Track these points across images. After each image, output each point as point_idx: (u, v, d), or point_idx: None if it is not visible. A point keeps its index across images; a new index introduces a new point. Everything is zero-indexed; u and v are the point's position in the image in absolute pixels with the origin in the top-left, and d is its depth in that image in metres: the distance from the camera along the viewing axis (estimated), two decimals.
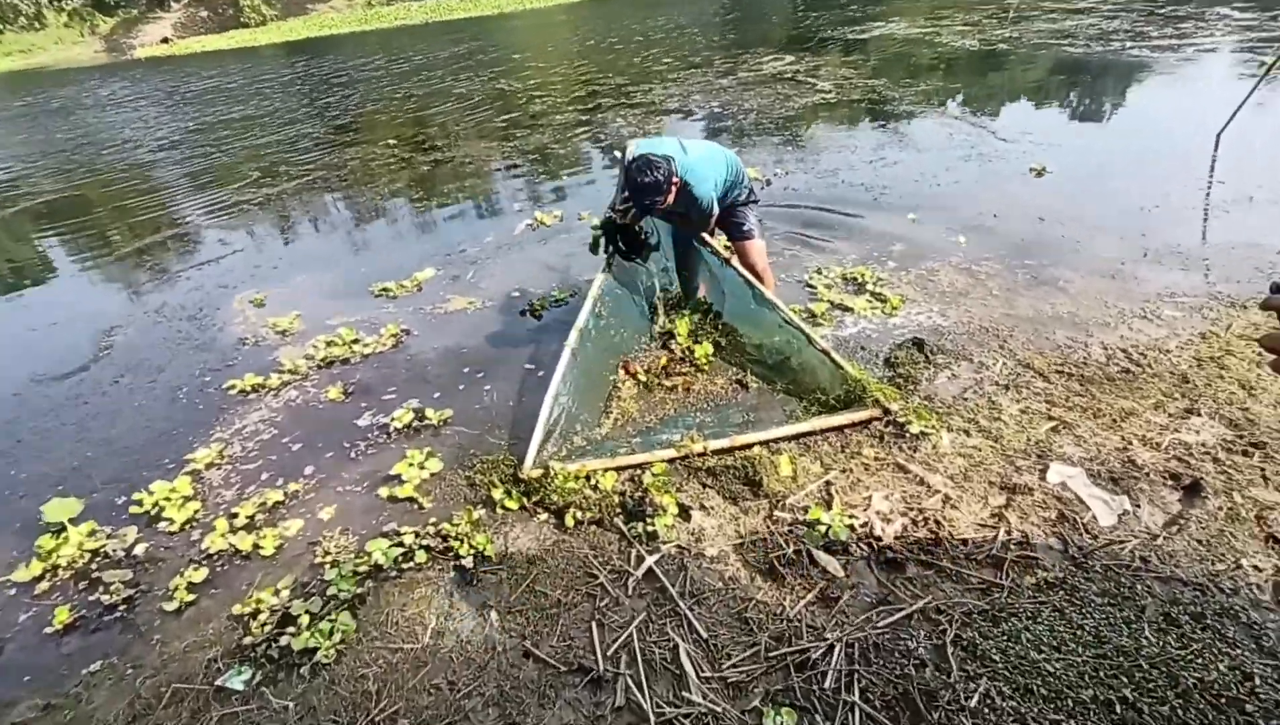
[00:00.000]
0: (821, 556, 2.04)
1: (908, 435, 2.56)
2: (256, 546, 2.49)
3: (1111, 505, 2.08)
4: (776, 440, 2.65)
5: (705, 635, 1.86)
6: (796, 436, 2.66)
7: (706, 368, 3.20)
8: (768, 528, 2.21)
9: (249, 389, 3.57)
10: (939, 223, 4.51)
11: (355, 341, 3.89)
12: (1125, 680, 1.57)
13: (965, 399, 2.79)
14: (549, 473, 2.54)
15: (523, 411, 3.10)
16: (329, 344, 3.89)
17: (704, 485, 2.47)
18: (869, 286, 3.78)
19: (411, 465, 2.82)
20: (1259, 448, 2.27)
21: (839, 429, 2.67)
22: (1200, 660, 1.59)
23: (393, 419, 3.13)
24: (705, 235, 3.30)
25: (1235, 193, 4.46)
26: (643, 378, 3.21)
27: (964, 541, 2.05)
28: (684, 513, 2.32)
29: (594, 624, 1.96)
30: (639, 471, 2.60)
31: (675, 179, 2.91)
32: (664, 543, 2.20)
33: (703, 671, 1.75)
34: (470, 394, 3.31)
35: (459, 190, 6.40)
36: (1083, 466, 2.28)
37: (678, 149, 3.06)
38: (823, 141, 6.55)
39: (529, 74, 12.00)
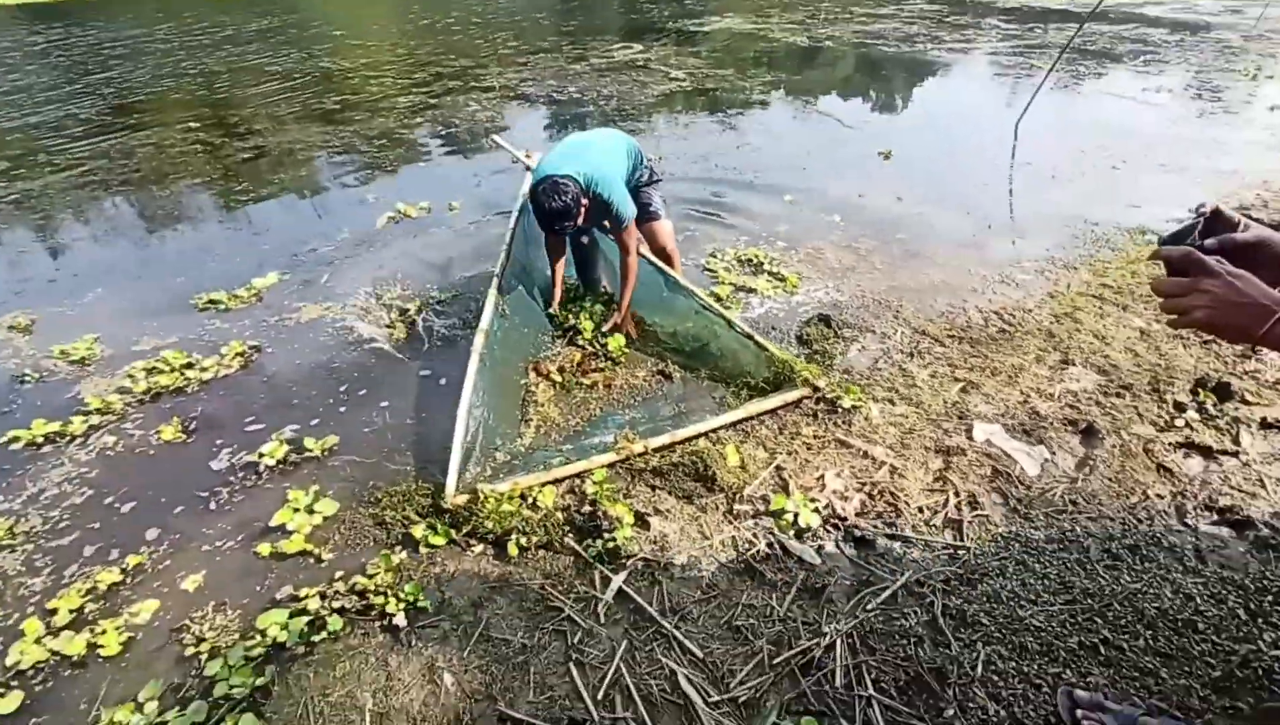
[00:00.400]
0: (795, 545, 1.97)
1: (840, 410, 2.58)
2: (94, 647, 1.89)
3: (1033, 455, 2.25)
4: (715, 430, 2.55)
5: (700, 654, 1.70)
6: (734, 423, 2.58)
7: (622, 360, 3.02)
8: (732, 524, 2.10)
9: (40, 440, 2.76)
10: (813, 203, 4.71)
11: (188, 366, 3.17)
12: (1100, 622, 1.67)
13: (879, 369, 2.90)
14: (477, 497, 2.21)
15: (426, 430, 2.71)
16: (151, 372, 3.13)
17: (653, 487, 2.30)
18: (765, 267, 3.82)
19: (297, 510, 2.32)
20: (1127, 389, 2.59)
21: (773, 411, 2.64)
22: (1152, 590, 1.75)
23: (261, 455, 2.57)
24: (629, 241, 3.00)
25: (1039, 173, 5.16)
26: (557, 378, 2.95)
27: (920, 508, 2.09)
28: (641, 521, 2.13)
29: (571, 665, 1.71)
30: (578, 482, 2.36)
31: (584, 199, 2.72)
32: (627, 557, 2.00)
33: (710, 696, 1.59)
34: (355, 415, 2.83)
35: (295, 181, 5.55)
36: (999, 422, 2.44)
37: (578, 153, 2.86)
38: (689, 128, 6.61)
39: (357, 53, 10.81)
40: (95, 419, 2.85)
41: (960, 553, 1.92)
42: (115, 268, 4.22)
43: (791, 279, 3.67)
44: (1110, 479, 2.17)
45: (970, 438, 2.37)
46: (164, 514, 2.39)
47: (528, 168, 3.89)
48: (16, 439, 2.74)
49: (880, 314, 3.37)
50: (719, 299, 3.50)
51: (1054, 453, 2.29)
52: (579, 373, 2.97)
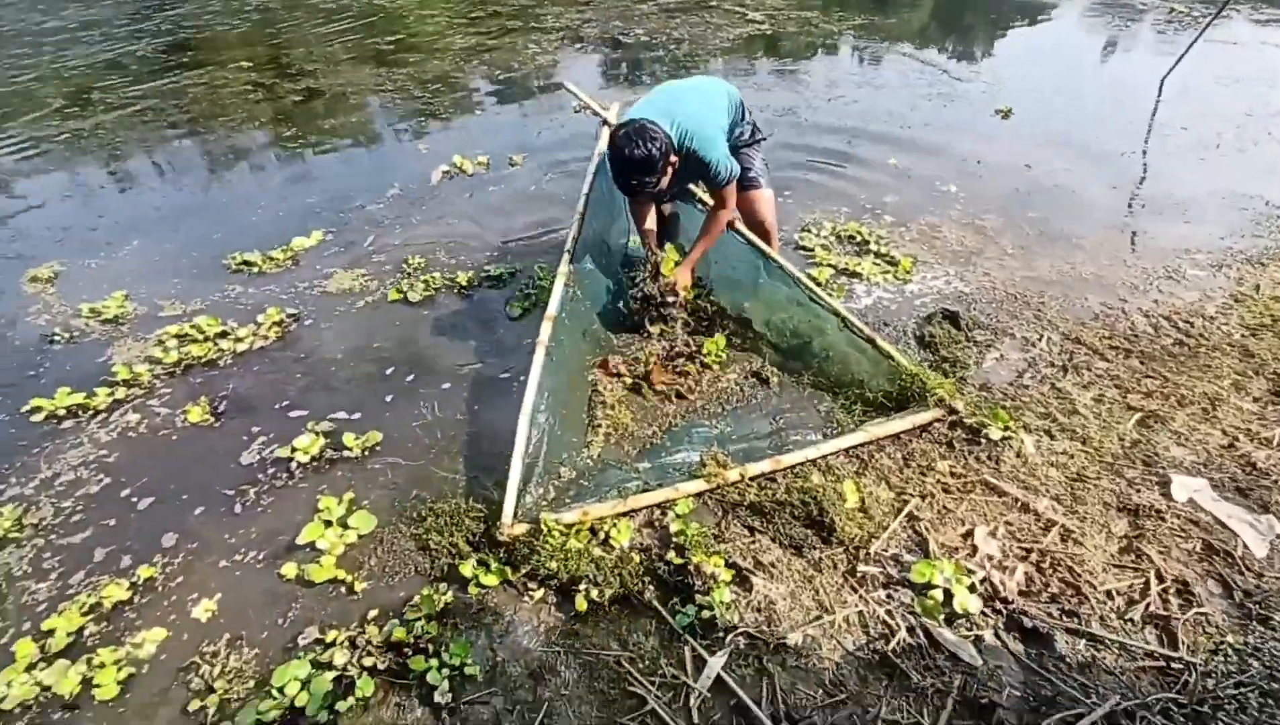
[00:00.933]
0: (948, 637, 1.51)
1: (983, 441, 2.06)
2: (89, 684, 1.61)
3: (1260, 528, 1.70)
4: (826, 457, 2.08)
5: None
6: (848, 449, 2.10)
7: (715, 366, 2.54)
8: (858, 593, 1.65)
9: (63, 412, 2.51)
10: (924, 169, 4.05)
11: (222, 334, 2.87)
12: None
13: (1026, 387, 2.35)
14: (539, 528, 1.82)
15: (480, 429, 2.33)
16: (182, 339, 2.84)
17: (752, 529, 1.86)
18: (872, 246, 3.25)
19: (329, 523, 1.99)
20: None
21: (897, 436, 2.14)
22: None
23: (293, 450, 2.25)
24: (727, 197, 2.49)
25: (1200, 141, 4.32)
26: (629, 380, 2.50)
27: (1109, 593, 1.59)
28: (740, 578, 1.70)
29: None
30: (659, 513, 1.95)
31: (673, 156, 2.23)
32: (725, 630, 1.58)
33: None
34: (401, 407, 2.46)
35: (344, 128, 5.15)
36: (1203, 476, 1.89)
37: (671, 103, 2.36)
38: (770, 76, 5.89)
39: None
40: (121, 392, 2.58)
41: (1175, 667, 1.43)
42: (156, 219, 3.94)
43: (904, 262, 3.09)
44: None
45: (1167, 496, 1.83)
46: (183, 515, 2.09)
47: (604, 121, 3.37)
48: (39, 409, 2.50)
49: (1018, 313, 2.78)
50: (819, 285, 2.96)
51: None
52: (655, 377, 2.51)
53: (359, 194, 4.00)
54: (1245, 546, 1.66)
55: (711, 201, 2.59)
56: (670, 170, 2.25)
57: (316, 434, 2.32)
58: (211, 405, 2.52)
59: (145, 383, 2.63)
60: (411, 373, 2.62)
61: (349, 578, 1.84)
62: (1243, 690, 1.37)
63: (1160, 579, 1.60)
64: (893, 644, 1.50)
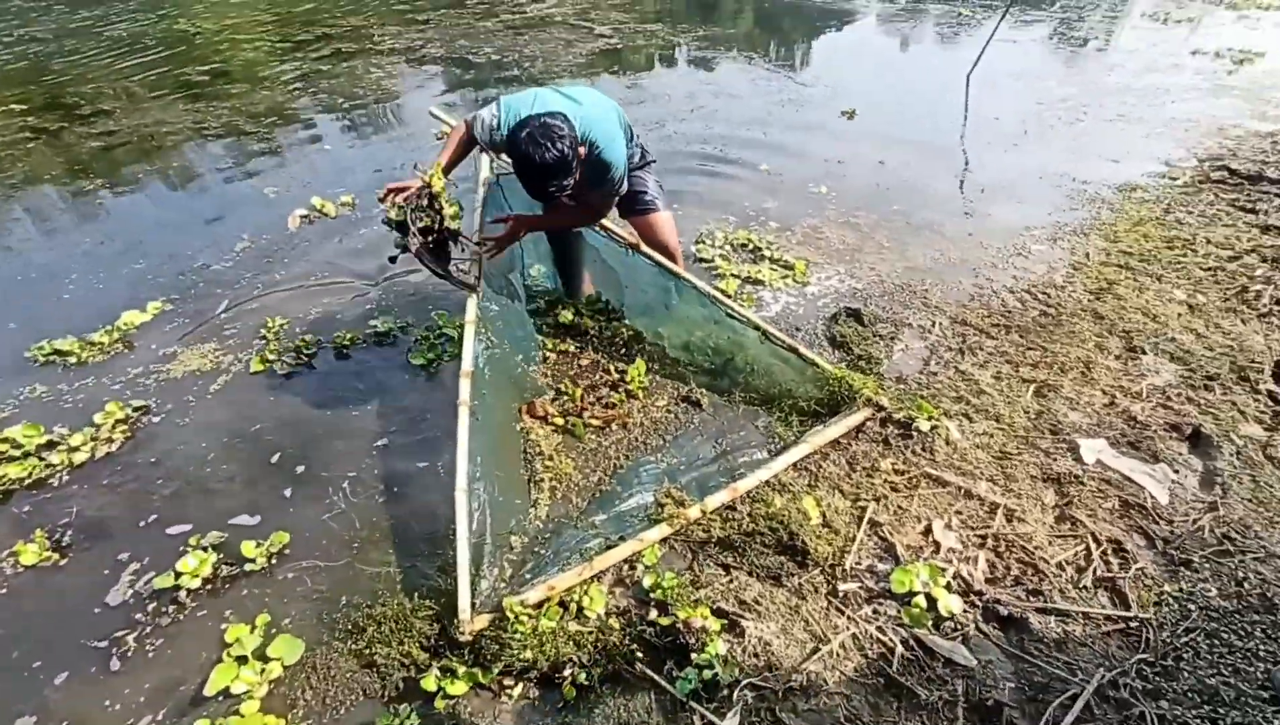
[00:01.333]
0: (940, 643, 1.55)
1: (915, 433, 2.17)
2: None
3: (1157, 477, 1.94)
4: (778, 475, 2.08)
5: None
6: (795, 463, 2.12)
7: (639, 393, 2.47)
8: (845, 614, 1.65)
9: None
10: (793, 173, 4.26)
11: (51, 445, 2.34)
12: None
13: (934, 373, 2.52)
14: (503, 615, 1.64)
15: (407, 510, 2.08)
16: None
17: (726, 567, 1.81)
18: (765, 252, 3.35)
19: (244, 661, 1.66)
20: (1214, 380, 2.34)
21: (836, 441, 2.20)
22: None
23: (177, 575, 1.87)
24: (589, 217, 2.42)
25: (1010, 129, 4.94)
26: (559, 421, 2.37)
27: (1060, 565, 1.73)
28: (731, 625, 1.64)
29: None
30: (628, 567, 1.84)
31: (580, 148, 2.05)
32: (729, 687, 1.51)
33: None
34: (304, 499, 2.14)
35: (164, 176, 4.47)
36: (1101, 436, 2.12)
37: (563, 100, 2.18)
38: (631, 90, 5.94)
39: (219, 10, 9.19)
40: None
41: (1133, 627, 1.57)
42: None
43: (799, 266, 3.22)
44: (1250, 499, 1.89)
45: (1079, 460, 2.03)
46: (40, 687, 1.66)
47: (482, 148, 3.15)
48: None
49: (908, 302, 2.99)
50: (727, 296, 2.99)
51: (1177, 471, 1.98)
52: (584, 411, 2.40)
53: (199, 252, 3.47)
54: (1152, 497, 1.87)
55: (613, 228, 2.50)
56: (579, 167, 2.05)
57: (204, 550, 1.95)
58: (51, 539, 2.04)
59: None
60: (307, 459, 2.28)
61: (283, 723, 1.55)
62: (1192, 636, 1.54)
63: (1097, 542, 1.76)
64: (894, 664, 1.51)
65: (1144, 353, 2.50)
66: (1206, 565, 1.70)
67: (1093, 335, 2.65)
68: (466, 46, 7.30)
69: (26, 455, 2.29)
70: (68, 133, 5.14)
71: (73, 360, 2.72)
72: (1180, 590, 1.64)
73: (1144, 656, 1.51)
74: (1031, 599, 1.64)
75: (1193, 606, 1.61)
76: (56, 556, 1.99)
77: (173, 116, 5.41)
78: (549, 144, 1.91)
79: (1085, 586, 1.67)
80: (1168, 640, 1.54)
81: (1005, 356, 2.57)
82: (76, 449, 2.32)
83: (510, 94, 2.21)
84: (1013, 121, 5.03)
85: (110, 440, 2.36)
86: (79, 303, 3.10)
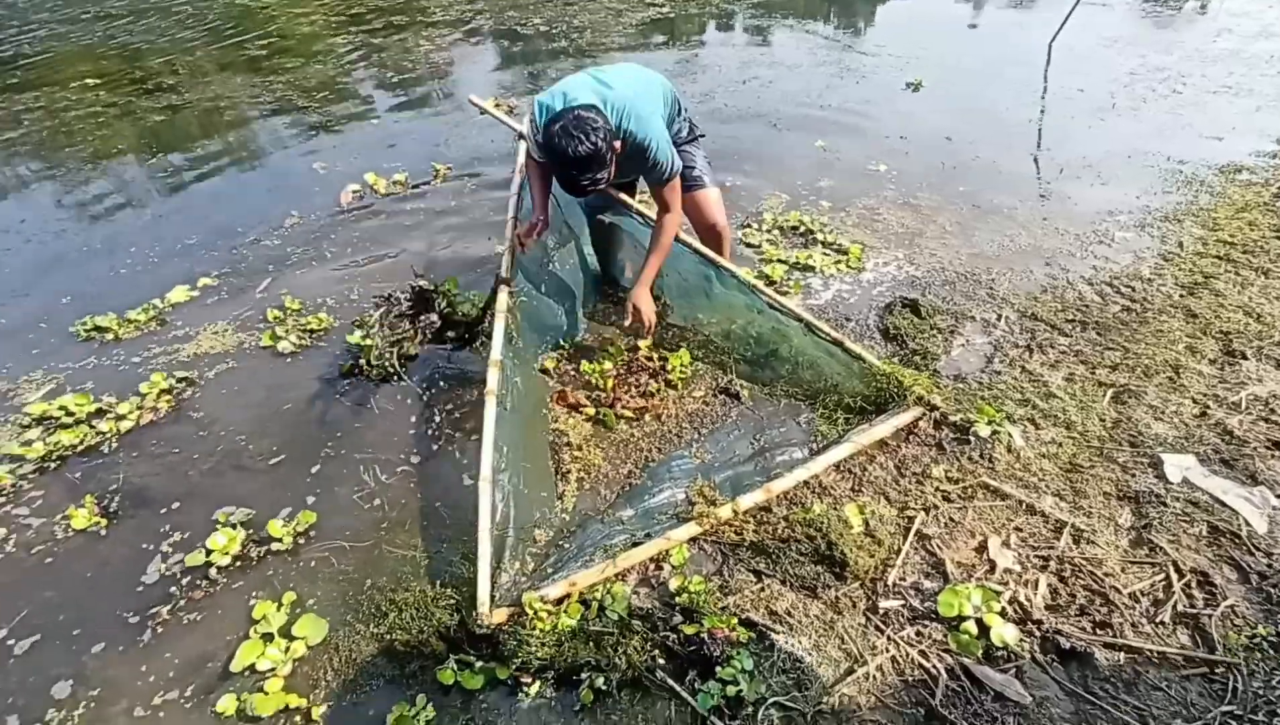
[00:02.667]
0: (991, 676, 1.41)
1: (972, 439, 2.00)
2: None
3: (1255, 502, 1.71)
4: (817, 476, 1.95)
5: None
6: (838, 464, 1.98)
7: (680, 384, 2.36)
8: (885, 634, 1.53)
9: None
10: (851, 149, 4.01)
11: (99, 412, 2.42)
12: None
13: (998, 372, 2.31)
14: (523, 610, 1.59)
15: (434, 491, 2.06)
16: (47, 423, 2.38)
17: (758, 574, 1.71)
18: (818, 236, 3.16)
19: (270, 639, 1.67)
20: None
21: (883, 443, 2.04)
22: None
23: (208, 553, 1.89)
24: (670, 197, 2.21)
25: (1097, 102, 4.52)
26: (591, 411, 2.29)
27: (1134, 596, 1.55)
28: (759, 636, 1.54)
29: None
30: (653, 566, 1.76)
31: (616, 142, 1.97)
32: (754, 704, 1.42)
33: None
34: (333, 477, 2.14)
35: (221, 150, 4.57)
36: (1189, 451, 1.89)
37: (599, 83, 2.08)
38: (682, 62, 5.72)
39: None
40: None
41: (1219, 672, 1.39)
42: None
43: (853, 251, 3.02)
44: None
45: (1162, 477, 1.81)
46: (79, 654, 1.71)
47: (519, 135, 3.06)
48: None
49: (972, 293, 2.76)
50: (770, 282, 2.84)
51: (1279, 495, 1.75)
52: (617, 401, 2.31)
53: (249, 227, 3.52)
54: (1247, 524, 1.66)
55: (649, 214, 2.38)
56: (614, 155, 1.99)
57: (233, 527, 1.97)
58: (100, 504, 2.11)
59: (8, 487, 2.17)
60: (338, 437, 2.28)
61: (303, 703, 1.55)
62: None
63: (1179, 572, 1.57)
64: (938, 695, 1.38)
65: (1245, 358, 2.22)
66: None
67: (1184, 336, 2.38)
68: (515, 18, 7.19)
69: (78, 422, 2.37)
70: (135, 106, 5.32)
71: (110, 336, 2.78)
72: (1277, 634, 1.44)
73: (1230, 708, 1.33)
74: (1099, 632, 1.48)
75: None
76: (104, 522, 2.05)
77: (231, 91, 5.53)
78: (582, 136, 1.85)
79: (1163, 622, 1.49)
80: (1260, 692, 1.35)
81: (1080, 356, 2.34)
82: (124, 417, 2.39)
83: (543, 91, 2.12)
84: (1100, 93, 4.60)
85: (153, 410, 2.42)
86: (131, 277, 3.19)
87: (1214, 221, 3.10)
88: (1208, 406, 2.05)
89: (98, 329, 2.80)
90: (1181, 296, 2.61)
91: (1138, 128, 4.11)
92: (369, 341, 2.45)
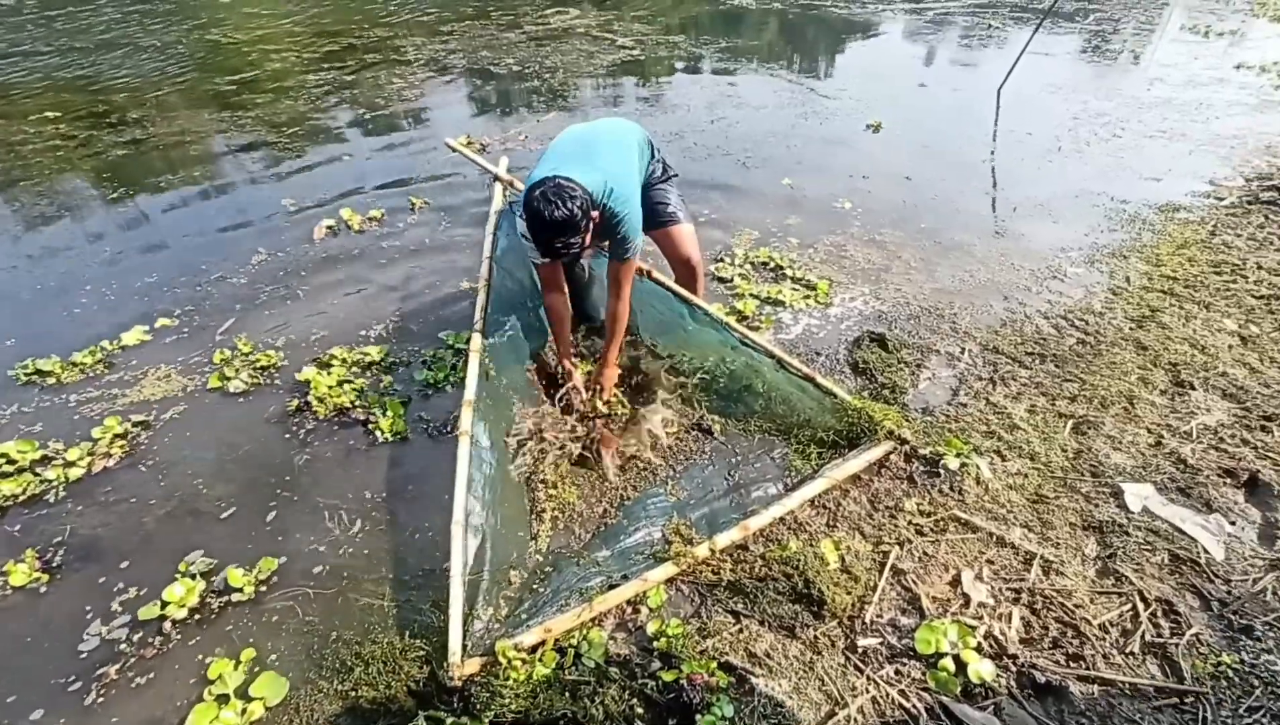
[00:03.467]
0: (970, 714, 1.41)
1: (942, 471, 2.03)
2: None
3: (1211, 529, 1.77)
4: (793, 512, 1.95)
5: None
6: (813, 499, 1.99)
7: (618, 414, 2.36)
8: (864, 674, 1.52)
9: None
10: (816, 188, 4.14)
11: (44, 459, 2.30)
12: None
13: (963, 404, 2.37)
14: (496, 659, 1.54)
15: (401, 537, 2.00)
16: None
17: (736, 614, 1.69)
18: (787, 271, 3.23)
19: (225, 700, 1.58)
20: (1270, 421, 2.15)
21: (856, 477, 2.06)
22: None
23: (163, 604, 1.79)
24: (624, 278, 2.28)
25: (1043, 145, 4.77)
26: (550, 438, 2.27)
27: (1103, 627, 1.57)
28: (739, 680, 1.52)
29: None
30: (631, 611, 1.73)
31: (594, 211, 2.04)
32: None
33: None
34: (295, 523, 2.07)
35: (184, 185, 4.48)
36: (1147, 480, 1.95)
37: (583, 151, 2.16)
38: (651, 102, 5.88)
39: (249, 22, 9.36)
40: None
41: (1188, 702, 1.41)
42: None
43: (821, 286, 3.09)
44: None
45: (1122, 507, 1.87)
46: (14, 723, 1.59)
47: (495, 177, 3.10)
48: None
49: (936, 327, 2.84)
50: (741, 317, 2.89)
51: (1233, 522, 1.81)
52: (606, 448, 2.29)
53: (214, 265, 3.44)
54: (1205, 551, 1.71)
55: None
56: (592, 225, 2.05)
57: (192, 576, 1.88)
58: (42, 559, 1.99)
59: None
60: (298, 483, 2.20)
61: None
62: (1256, 716, 1.38)
63: (1145, 601, 1.61)
64: None
65: (1193, 388, 2.32)
66: (1271, 633, 1.54)
67: (1136, 367, 2.48)
68: (489, 57, 7.31)
69: (20, 471, 2.25)
70: (97, 140, 5.21)
71: (51, 380, 2.65)
72: (1241, 662, 1.48)
73: None
74: (1072, 664, 1.49)
75: (1256, 681, 1.44)
76: (45, 578, 1.93)
77: (198, 126, 5.47)
78: (559, 202, 1.91)
79: (1132, 652, 1.52)
80: (1228, 720, 1.37)
81: (1040, 388, 2.42)
82: (73, 463, 2.28)
83: (544, 153, 2.23)
84: (1046, 137, 4.85)
85: (106, 456, 2.32)
86: (86, 317, 3.06)
87: (1157, 257, 3.27)
88: (1162, 436, 2.13)
89: (39, 372, 2.66)
90: (1131, 329, 2.72)
91: (1083, 169, 4.34)
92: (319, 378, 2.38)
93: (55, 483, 2.21)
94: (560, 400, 2.37)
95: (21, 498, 2.16)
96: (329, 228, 3.69)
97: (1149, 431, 2.15)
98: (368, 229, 3.75)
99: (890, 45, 7.81)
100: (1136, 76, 6.29)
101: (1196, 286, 2.99)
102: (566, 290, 2.46)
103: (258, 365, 2.67)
